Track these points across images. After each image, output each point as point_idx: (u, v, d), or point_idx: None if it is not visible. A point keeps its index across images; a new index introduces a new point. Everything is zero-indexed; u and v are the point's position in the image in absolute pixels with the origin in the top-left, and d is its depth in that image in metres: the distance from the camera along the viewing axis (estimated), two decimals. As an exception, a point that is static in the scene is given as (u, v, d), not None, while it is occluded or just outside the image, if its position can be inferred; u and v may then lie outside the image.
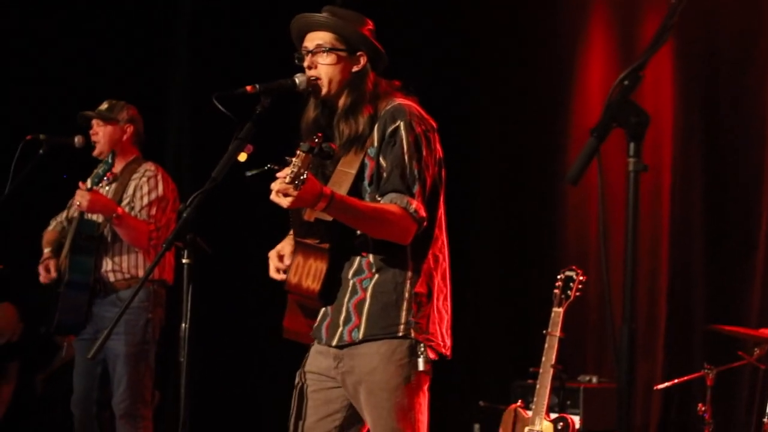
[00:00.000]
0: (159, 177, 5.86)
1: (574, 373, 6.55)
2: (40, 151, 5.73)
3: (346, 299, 3.69)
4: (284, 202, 3.36)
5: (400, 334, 3.64)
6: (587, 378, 6.56)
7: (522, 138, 7.53)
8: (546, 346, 5.41)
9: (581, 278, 5.49)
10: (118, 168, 5.85)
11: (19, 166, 5.57)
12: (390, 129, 3.64)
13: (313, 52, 3.69)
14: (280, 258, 3.78)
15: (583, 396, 6.28)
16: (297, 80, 3.67)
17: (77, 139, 5.83)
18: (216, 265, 5.32)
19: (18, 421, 7.54)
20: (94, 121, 5.87)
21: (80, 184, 5.63)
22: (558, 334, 5.40)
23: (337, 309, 3.71)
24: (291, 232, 3.81)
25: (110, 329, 3.55)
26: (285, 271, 3.74)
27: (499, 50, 7.61)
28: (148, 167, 5.88)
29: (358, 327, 3.66)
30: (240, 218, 7.33)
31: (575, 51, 7.42)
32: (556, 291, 5.48)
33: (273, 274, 3.79)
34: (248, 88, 3.58)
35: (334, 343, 3.70)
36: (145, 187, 5.80)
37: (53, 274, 5.79)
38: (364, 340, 3.66)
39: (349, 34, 3.70)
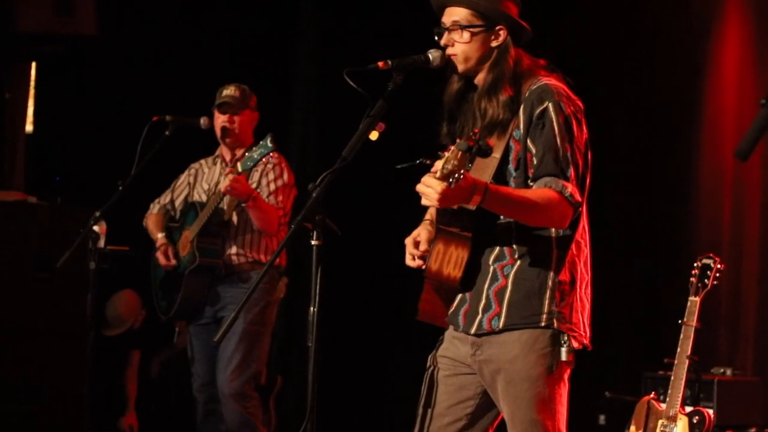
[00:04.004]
0: (283, 164, 5.88)
1: (705, 365, 6.34)
2: (166, 133, 5.73)
3: (486, 286, 3.55)
4: (434, 200, 3.21)
5: (543, 324, 3.49)
6: (721, 370, 6.34)
7: (653, 125, 7.33)
8: (681, 336, 5.23)
9: (719, 266, 5.29)
10: (239, 154, 5.83)
11: (146, 148, 5.57)
12: (538, 110, 3.47)
13: (450, 30, 3.55)
14: (416, 245, 3.65)
15: (717, 389, 6.06)
16: (431, 56, 3.54)
17: (203, 121, 5.82)
18: (345, 247, 5.25)
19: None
20: (231, 110, 5.82)
21: (230, 168, 5.62)
22: (694, 324, 5.21)
23: (476, 296, 3.57)
24: (426, 217, 3.71)
25: (237, 312, 3.49)
26: (422, 258, 3.61)
27: (632, 38, 7.41)
28: (271, 154, 5.84)
29: (498, 315, 3.52)
30: (371, 199, 7.26)
31: (709, 39, 7.20)
32: (692, 279, 5.29)
33: (409, 261, 3.67)
34: (380, 63, 3.48)
35: (473, 331, 3.56)
36: (271, 174, 5.81)
37: (173, 262, 5.79)
38: (505, 330, 3.52)
39: (486, 9, 3.53)
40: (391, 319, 7.13)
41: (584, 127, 3.55)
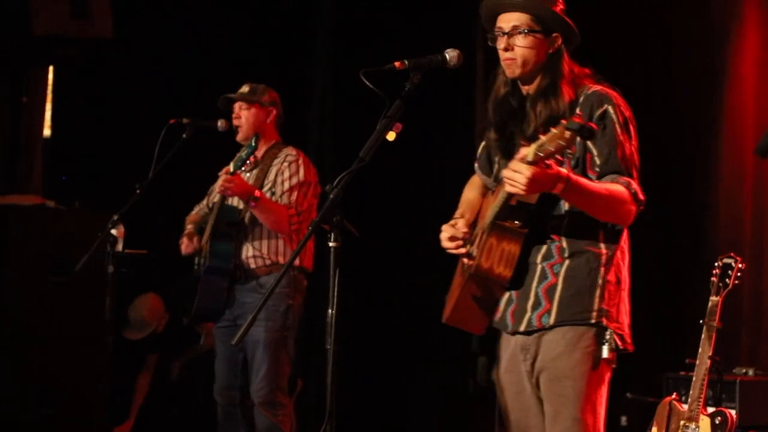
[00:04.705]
0: (300, 161, 5.77)
1: (727, 366, 6.28)
2: (183, 135, 5.72)
3: (534, 284, 3.62)
4: (522, 186, 3.30)
5: (593, 321, 3.57)
6: (743, 370, 6.28)
7: (673, 125, 7.29)
8: (703, 336, 5.18)
9: (740, 266, 5.24)
10: (259, 153, 5.79)
11: (163, 151, 5.56)
12: (598, 113, 3.57)
13: (510, 34, 3.62)
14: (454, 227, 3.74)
15: (739, 389, 6.00)
16: (447, 56, 3.56)
17: (220, 123, 5.79)
18: (363, 249, 5.22)
19: (155, 407, 7.58)
20: (237, 105, 5.81)
21: (224, 169, 5.58)
22: (716, 324, 5.17)
23: (523, 295, 3.64)
24: (455, 215, 3.82)
25: (254, 315, 3.46)
26: (469, 254, 3.68)
27: (651, 39, 7.38)
28: (289, 152, 5.80)
29: (548, 312, 3.59)
30: (389, 200, 7.22)
31: (728, 40, 7.15)
32: (713, 279, 5.23)
33: (447, 243, 3.74)
34: (397, 64, 3.50)
35: (522, 328, 3.64)
36: (286, 172, 5.72)
37: (196, 244, 5.76)
38: (555, 326, 3.59)
39: (544, 15, 3.62)
40: (411, 321, 7.10)
41: (637, 134, 3.65)
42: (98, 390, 6.30)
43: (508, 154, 3.60)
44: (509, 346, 3.73)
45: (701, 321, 5.22)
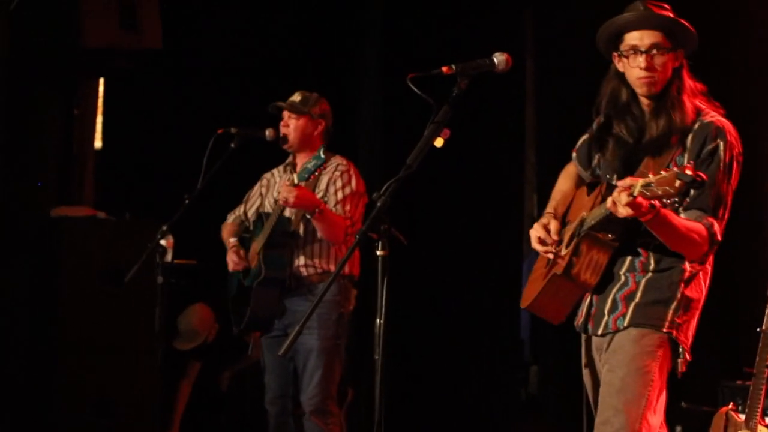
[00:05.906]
0: (352, 171, 5.76)
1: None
2: (232, 145, 5.71)
3: (614, 290, 3.72)
4: (624, 212, 3.39)
5: (664, 329, 3.66)
6: (801, 379, 6.15)
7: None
8: (761, 344, 5.09)
9: (798, 271, 5.15)
10: (305, 161, 5.76)
11: (211, 161, 5.55)
12: (710, 147, 3.63)
13: (649, 53, 3.64)
14: (547, 232, 3.82)
15: (798, 399, 5.88)
16: (496, 60, 3.54)
17: (268, 132, 5.76)
18: (412, 257, 5.18)
19: (204, 418, 7.58)
20: (286, 113, 5.78)
21: (286, 179, 5.56)
22: (774, 331, 5.08)
23: (602, 299, 3.75)
24: (547, 210, 3.93)
25: (302, 324, 3.45)
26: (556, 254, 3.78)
27: (703, 46, 7.26)
28: (340, 161, 5.77)
29: (624, 315, 3.69)
30: (437, 207, 7.16)
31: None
32: (770, 285, 5.16)
33: (535, 245, 3.86)
34: (444, 68, 3.49)
35: (600, 331, 3.74)
36: (339, 182, 5.70)
37: (244, 262, 5.74)
38: (627, 327, 3.68)
39: (675, 30, 3.65)
40: (461, 330, 7.04)
41: (740, 169, 3.72)
42: (151, 400, 6.32)
43: (610, 155, 3.76)
44: (590, 346, 3.85)
45: (759, 329, 5.14)
